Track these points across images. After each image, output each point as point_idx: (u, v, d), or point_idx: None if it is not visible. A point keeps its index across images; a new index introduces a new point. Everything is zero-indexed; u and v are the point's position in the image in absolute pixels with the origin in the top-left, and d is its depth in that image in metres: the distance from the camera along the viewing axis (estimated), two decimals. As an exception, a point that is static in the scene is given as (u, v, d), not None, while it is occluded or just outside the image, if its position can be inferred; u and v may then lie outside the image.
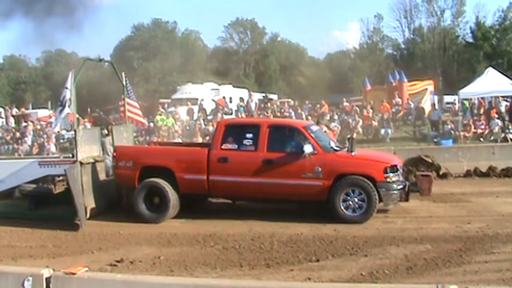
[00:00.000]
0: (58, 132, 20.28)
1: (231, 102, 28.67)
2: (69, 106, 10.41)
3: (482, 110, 22.24)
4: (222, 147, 9.83)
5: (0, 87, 55.35)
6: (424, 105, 23.70)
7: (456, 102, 23.32)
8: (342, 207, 9.20)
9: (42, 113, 29.80)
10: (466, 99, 22.46)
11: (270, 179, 9.46)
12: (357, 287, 5.47)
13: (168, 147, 11.86)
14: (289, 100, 34.87)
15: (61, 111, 10.83)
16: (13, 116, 27.68)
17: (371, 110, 22.41)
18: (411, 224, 9.02)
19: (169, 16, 73.28)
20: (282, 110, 25.11)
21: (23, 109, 30.07)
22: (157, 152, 10.96)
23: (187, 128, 21.97)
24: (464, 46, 51.67)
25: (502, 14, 49.60)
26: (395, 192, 9.40)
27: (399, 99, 23.94)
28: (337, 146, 10.29)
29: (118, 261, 7.29)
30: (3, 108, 30.29)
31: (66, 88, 10.37)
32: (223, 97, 28.37)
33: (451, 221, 9.05)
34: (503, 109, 21.74)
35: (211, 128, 19.66)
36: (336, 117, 22.04)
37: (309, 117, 22.06)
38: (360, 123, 21.24)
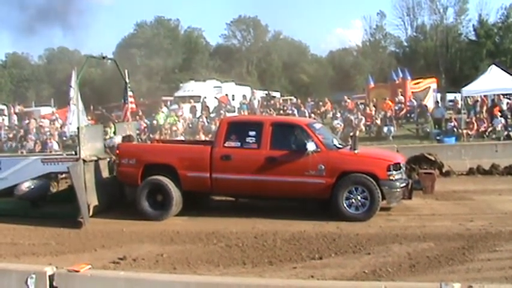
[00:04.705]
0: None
1: (233, 99, 28.66)
2: (74, 104, 10.42)
3: (485, 108, 22.17)
4: (225, 145, 9.81)
5: (2, 85, 55.41)
6: (427, 103, 23.65)
7: (459, 100, 23.26)
8: (345, 205, 9.18)
9: (45, 110, 29.84)
10: (469, 97, 22.37)
11: (272, 177, 9.44)
12: (360, 285, 5.45)
13: (171, 145, 11.87)
14: (292, 98, 34.86)
15: (71, 109, 10.80)
16: (16, 113, 27.79)
17: (374, 108, 22.38)
18: (414, 221, 9.00)
19: (171, 14, 73.29)
20: (285, 108, 25.06)
21: (21, 107, 30.10)
22: (160, 149, 10.98)
23: (190, 125, 22.00)
24: (467, 44, 51.60)
25: (504, 12, 49.55)
26: (398, 190, 9.38)
27: (402, 97, 23.88)
28: (340, 144, 10.28)
29: (121, 259, 7.28)
30: (6, 106, 30.38)
31: (71, 86, 10.38)
32: (226, 95, 28.37)
33: (454, 219, 9.03)
34: (504, 107, 21.68)
35: (213, 126, 19.68)
36: (338, 115, 22.02)
37: (312, 115, 22.08)
38: (363, 121, 21.19)
